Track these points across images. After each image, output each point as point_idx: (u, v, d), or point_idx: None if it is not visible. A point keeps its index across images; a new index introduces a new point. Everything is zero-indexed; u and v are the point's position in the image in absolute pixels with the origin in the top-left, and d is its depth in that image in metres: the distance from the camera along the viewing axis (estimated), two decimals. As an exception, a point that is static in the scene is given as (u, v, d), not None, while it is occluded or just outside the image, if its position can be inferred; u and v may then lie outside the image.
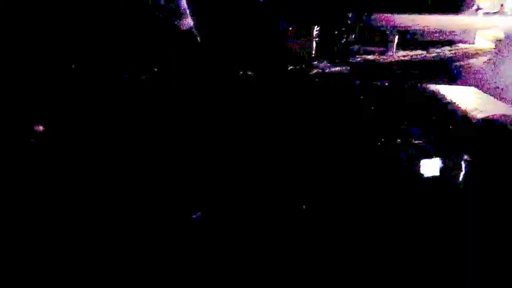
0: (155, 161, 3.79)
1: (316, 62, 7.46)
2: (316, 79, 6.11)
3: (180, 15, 5.41)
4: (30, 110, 4.57)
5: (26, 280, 2.56)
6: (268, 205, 2.91)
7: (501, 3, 15.82)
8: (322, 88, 5.83)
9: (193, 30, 5.76)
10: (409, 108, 4.65)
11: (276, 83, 5.70)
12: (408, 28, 10.65)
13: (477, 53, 10.10)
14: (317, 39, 8.58)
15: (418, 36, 10.48)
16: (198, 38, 5.58)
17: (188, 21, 5.85)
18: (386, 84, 5.70)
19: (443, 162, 3.16)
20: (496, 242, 2.44)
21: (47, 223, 3.07)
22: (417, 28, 10.85)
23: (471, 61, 9.20)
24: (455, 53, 10.07)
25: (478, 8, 14.54)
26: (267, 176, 3.31)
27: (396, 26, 10.31)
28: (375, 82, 5.98)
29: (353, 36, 9.39)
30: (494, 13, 15.44)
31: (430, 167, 2.73)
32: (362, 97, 5.23)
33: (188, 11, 5.64)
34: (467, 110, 4.08)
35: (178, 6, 4.69)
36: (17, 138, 4.29)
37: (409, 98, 5.04)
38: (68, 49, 4.93)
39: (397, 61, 8.38)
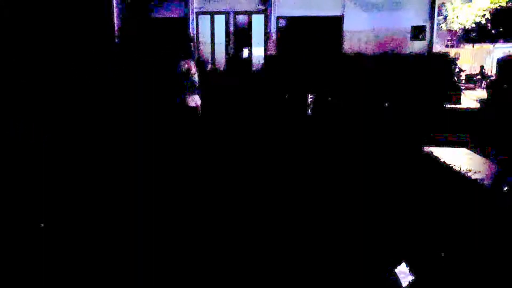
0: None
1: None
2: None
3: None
4: (31, 110, 4.67)
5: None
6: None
7: (481, 64, 16.84)
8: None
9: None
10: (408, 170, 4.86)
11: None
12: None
13: (464, 112, 10.63)
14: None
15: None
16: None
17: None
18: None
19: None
20: None
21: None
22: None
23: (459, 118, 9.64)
24: (445, 112, 10.59)
25: (460, 70, 15.40)
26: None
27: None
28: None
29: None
30: (476, 74, 16.38)
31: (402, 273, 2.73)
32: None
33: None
34: (462, 171, 4.31)
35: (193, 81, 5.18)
36: (17, 138, 4.38)
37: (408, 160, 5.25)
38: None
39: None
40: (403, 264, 2.75)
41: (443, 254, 2.90)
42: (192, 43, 5.13)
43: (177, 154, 4.84)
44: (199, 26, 12.75)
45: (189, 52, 4.96)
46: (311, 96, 9.28)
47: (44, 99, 4.92)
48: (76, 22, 5.40)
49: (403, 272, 2.70)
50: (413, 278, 2.63)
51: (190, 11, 12.51)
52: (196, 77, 4.94)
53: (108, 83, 5.64)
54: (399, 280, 2.63)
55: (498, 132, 6.94)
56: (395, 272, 2.70)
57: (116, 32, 6.01)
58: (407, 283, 2.60)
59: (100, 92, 5.45)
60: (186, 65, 4.85)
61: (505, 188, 3.69)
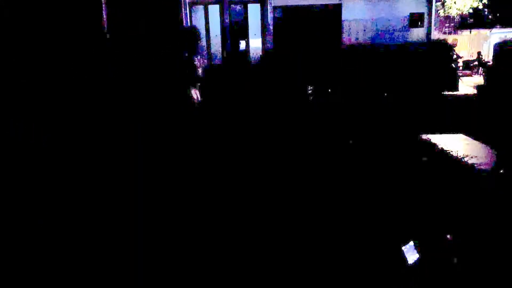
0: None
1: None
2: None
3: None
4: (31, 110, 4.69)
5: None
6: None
7: (478, 50, 16.83)
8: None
9: None
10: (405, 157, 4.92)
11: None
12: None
13: (461, 99, 10.68)
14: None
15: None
16: None
17: None
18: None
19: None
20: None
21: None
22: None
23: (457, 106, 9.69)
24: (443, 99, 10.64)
25: (458, 57, 15.40)
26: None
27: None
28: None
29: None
30: (473, 60, 16.38)
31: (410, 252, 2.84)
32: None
33: None
34: (459, 157, 4.37)
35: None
36: (17, 138, 4.41)
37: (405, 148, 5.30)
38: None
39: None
40: (411, 242, 2.85)
41: (448, 235, 2.98)
42: (197, 39, 5.07)
43: (178, 152, 4.87)
44: (193, 18, 12.65)
45: (193, 48, 4.94)
46: (310, 88, 9.30)
47: (44, 99, 4.95)
48: (75, 21, 5.41)
49: (411, 250, 2.79)
50: (419, 255, 2.72)
51: (182, 2, 12.36)
52: (199, 73, 4.94)
53: (108, 82, 5.65)
54: (406, 257, 2.73)
55: (498, 126, 6.92)
56: (402, 250, 2.79)
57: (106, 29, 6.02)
58: (414, 260, 2.70)
59: (100, 91, 5.47)
60: (191, 62, 4.84)
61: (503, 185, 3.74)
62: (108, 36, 5.91)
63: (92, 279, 2.67)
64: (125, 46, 6.27)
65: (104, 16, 5.77)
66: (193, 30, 5.14)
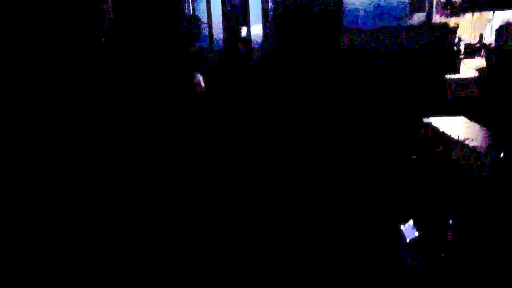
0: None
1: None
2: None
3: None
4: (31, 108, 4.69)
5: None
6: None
7: (481, 32, 16.70)
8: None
9: None
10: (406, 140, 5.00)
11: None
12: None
13: (462, 82, 10.67)
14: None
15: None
16: None
17: None
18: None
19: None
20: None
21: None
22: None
23: (458, 89, 9.71)
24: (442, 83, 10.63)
25: (460, 40, 15.31)
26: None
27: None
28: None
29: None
30: (475, 43, 16.28)
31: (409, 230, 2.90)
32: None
33: None
34: (460, 140, 4.45)
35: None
36: (17, 138, 4.44)
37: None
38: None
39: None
40: (410, 221, 2.94)
41: (448, 217, 3.06)
42: (197, 36, 5.03)
43: (186, 143, 4.91)
44: (195, 6, 12.66)
45: (195, 36, 4.95)
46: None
47: (44, 98, 4.96)
48: (76, 18, 5.39)
49: (410, 228, 2.88)
50: (418, 233, 2.82)
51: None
52: (201, 62, 4.94)
53: (109, 80, 5.66)
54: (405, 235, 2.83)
55: (500, 109, 6.94)
56: (401, 228, 2.89)
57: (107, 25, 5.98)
58: (413, 237, 2.80)
59: (102, 88, 5.48)
60: (194, 54, 4.83)
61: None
62: (108, 24, 5.91)
63: (92, 278, 2.72)
64: (126, 38, 6.28)
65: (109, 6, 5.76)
66: (194, 31, 5.13)
